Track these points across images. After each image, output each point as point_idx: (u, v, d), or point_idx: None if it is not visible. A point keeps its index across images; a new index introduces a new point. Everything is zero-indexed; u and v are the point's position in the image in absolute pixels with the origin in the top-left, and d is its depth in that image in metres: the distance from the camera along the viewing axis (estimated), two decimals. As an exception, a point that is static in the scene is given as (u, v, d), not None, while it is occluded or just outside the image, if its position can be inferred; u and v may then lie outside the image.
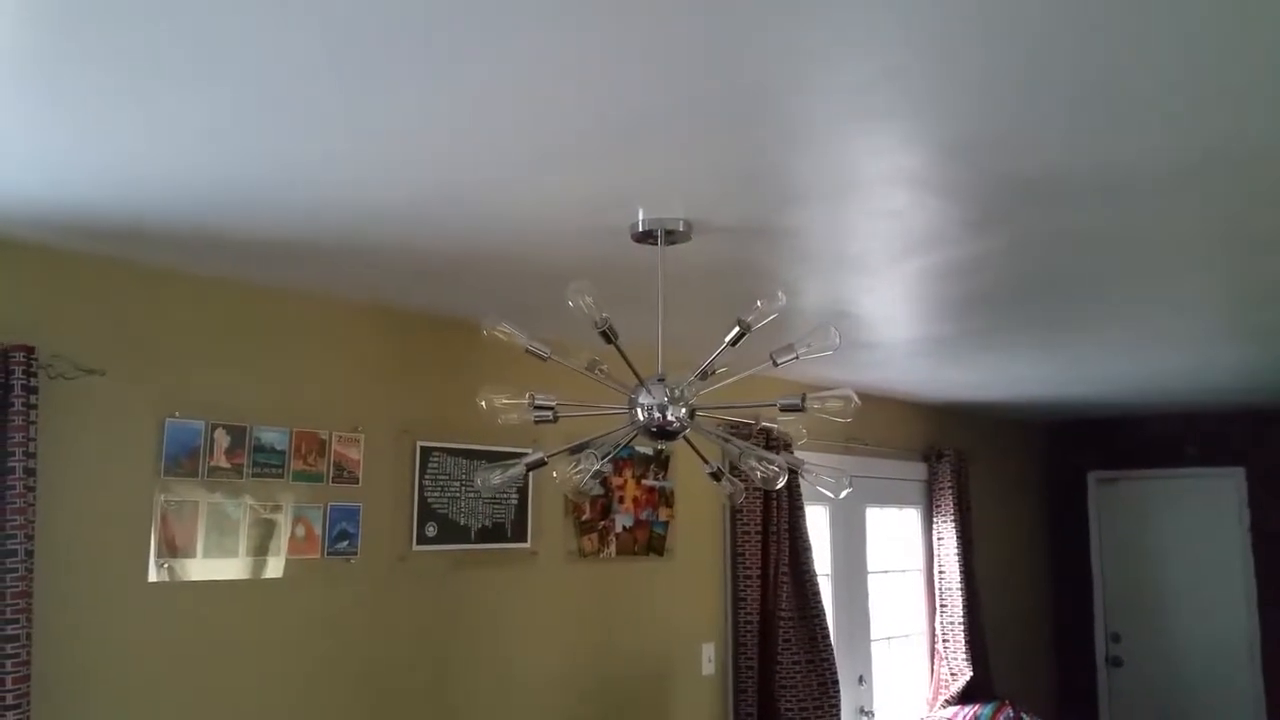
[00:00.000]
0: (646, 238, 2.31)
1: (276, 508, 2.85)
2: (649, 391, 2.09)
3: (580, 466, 2.05)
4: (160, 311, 2.68)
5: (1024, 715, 5.22)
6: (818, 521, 4.90)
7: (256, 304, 2.88)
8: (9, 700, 2.21)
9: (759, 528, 4.29)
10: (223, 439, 2.76)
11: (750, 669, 4.20)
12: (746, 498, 4.23)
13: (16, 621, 2.24)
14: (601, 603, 3.74)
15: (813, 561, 4.51)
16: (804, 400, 2.05)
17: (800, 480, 4.36)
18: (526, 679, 3.44)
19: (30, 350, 2.34)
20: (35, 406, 2.32)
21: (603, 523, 3.76)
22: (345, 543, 3.00)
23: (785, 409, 2.07)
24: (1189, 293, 3.08)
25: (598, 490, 3.72)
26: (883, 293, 3.02)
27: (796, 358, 2.08)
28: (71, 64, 1.51)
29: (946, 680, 5.52)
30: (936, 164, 1.94)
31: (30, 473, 2.29)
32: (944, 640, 5.57)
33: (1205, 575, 6.43)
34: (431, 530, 3.23)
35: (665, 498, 4.00)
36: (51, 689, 2.37)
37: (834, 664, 4.47)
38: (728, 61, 1.51)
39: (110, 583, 2.52)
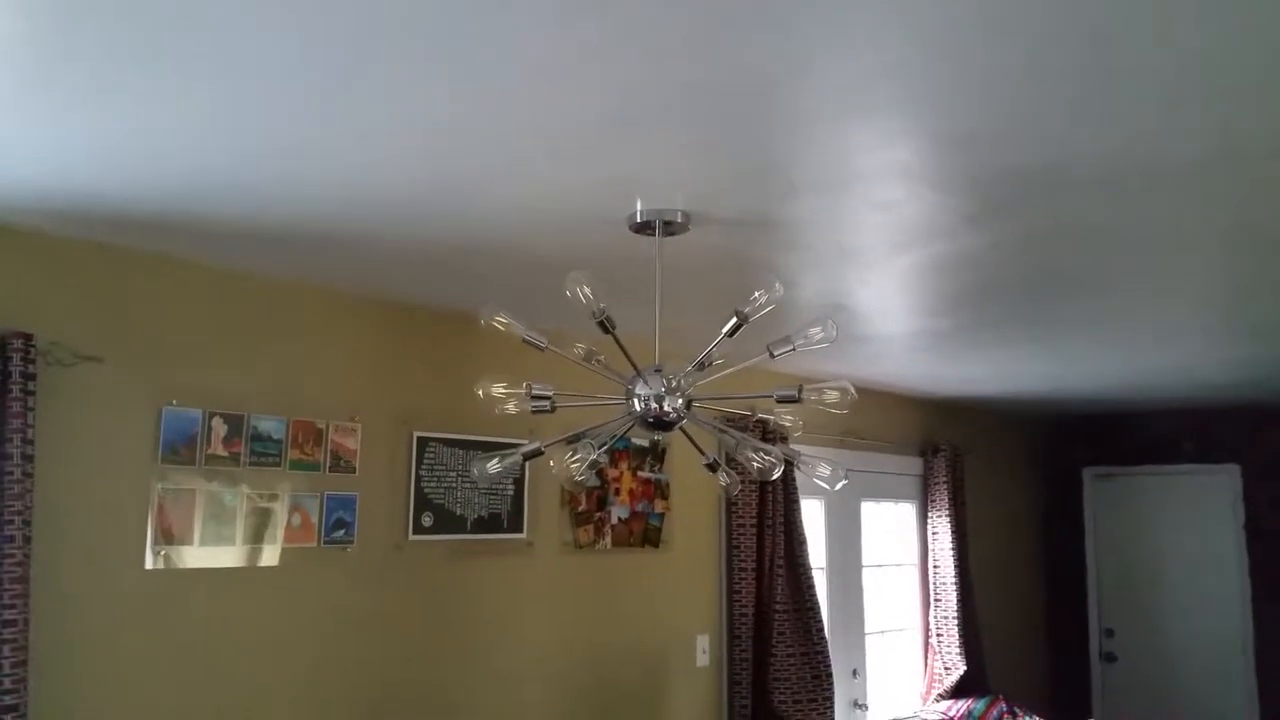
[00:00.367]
0: (644, 228, 2.31)
1: (273, 496, 2.86)
2: (646, 382, 2.10)
3: (577, 457, 2.05)
4: (159, 299, 2.68)
5: (1017, 710, 5.25)
6: (813, 515, 4.91)
7: (255, 293, 2.88)
8: (6, 685, 2.22)
9: (754, 520, 4.30)
10: (220, 427, 2.76)
11: (745, 661, 4.21)
12: (742, 490, 4.24)
13: (14, 607, 2.24)
14: (597, 594, 3.75)
15: (808, 555, 4.53)
16: (800, 391, 2.06)
17: (796, 473, 4.38)
18: (521, 669, 3.45)
19: (28, 337, 2.34)
20: (33, 393, 2.32)
21: (598, 514, 3.76)
22: (342, 531, 3.01)
23: (782, 400, 2.08)
24: (1186, 289, 3.09)
25: (594, 482, 3.73)
26: (880, 285, 3.03)
27: (794, 350, 2.09)
28: (70, 51, 1.51)
29: (940, 674, 5.54)
30: (935, 157, 1.95)
31: (28, 459, 2.29)
32: (938, 635, 5.59)
33: (1199, 571, 6.45)
34: (428, 520, 3.24)
35: (661, 490, 4.01)
36: (48, 675, 2.38)
37: (828, 657, 4.49)
38: (727, 53, 1.51)
39: (107, 570, 2.53)
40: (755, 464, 2.07)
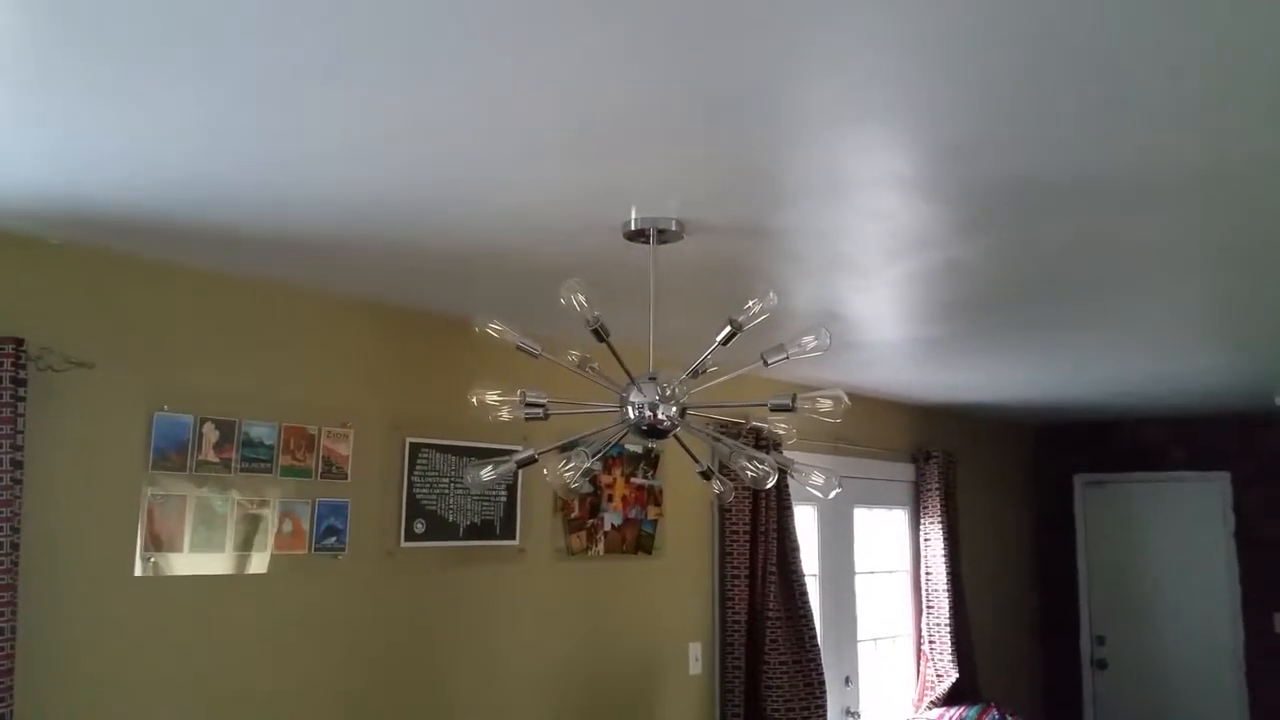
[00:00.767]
0: (639, 236, 2.31)
1: (264, 503, 2.85)
2: (640, 390, 2.09)
3: (571, 464, 2.05)
4: (151, 304, 2.67)
5: (1009, 717, 5.25)
6: (806, 522, 4.91)
7: (248, 298, 2.87)
8: (-7, 693, 2.20)
9: (747, 527, 4.30)
10: (211, 433, 2.75)
11: (737, 669, 4.20)
12: (735, 497, 4.24)
13: (1, 614, 2.23)
14: (589, 601, 3.74)
15: (800, 562, 4.52)
16: (794, 400, 2.06)
17: (789, 480, 4.38)
18: (513, 676, 3.44)
19: (19, 342, 2.33)
20: (24, 399, 2.31)
21: (591, 521, 3.76)
22: (333, 539, 2.99)
23: (776, 409, 2.08)
24: (1178, 298, 3.10)
25: (587, 488, 3.72)
26: (873, 294, 3.03)
27: (787, 358, 2.09)
28: (67, 56, 1.51)
29: (932, 682, 5.54)
30: (929, 167, 1.95)
31: (17, 465, 2.28)
32: (930, 642, 5.59)
33: (1190, 579, 6.46)
34: (420, 527, 3.23)
35: (654, 496, 4.01)
36: (36, 682, 2.36)
37: (820, 664, 4.48)
38: (721, 62, 1.51)
39: (96, 576, 2.51)
40: (749, 473, 2.07)
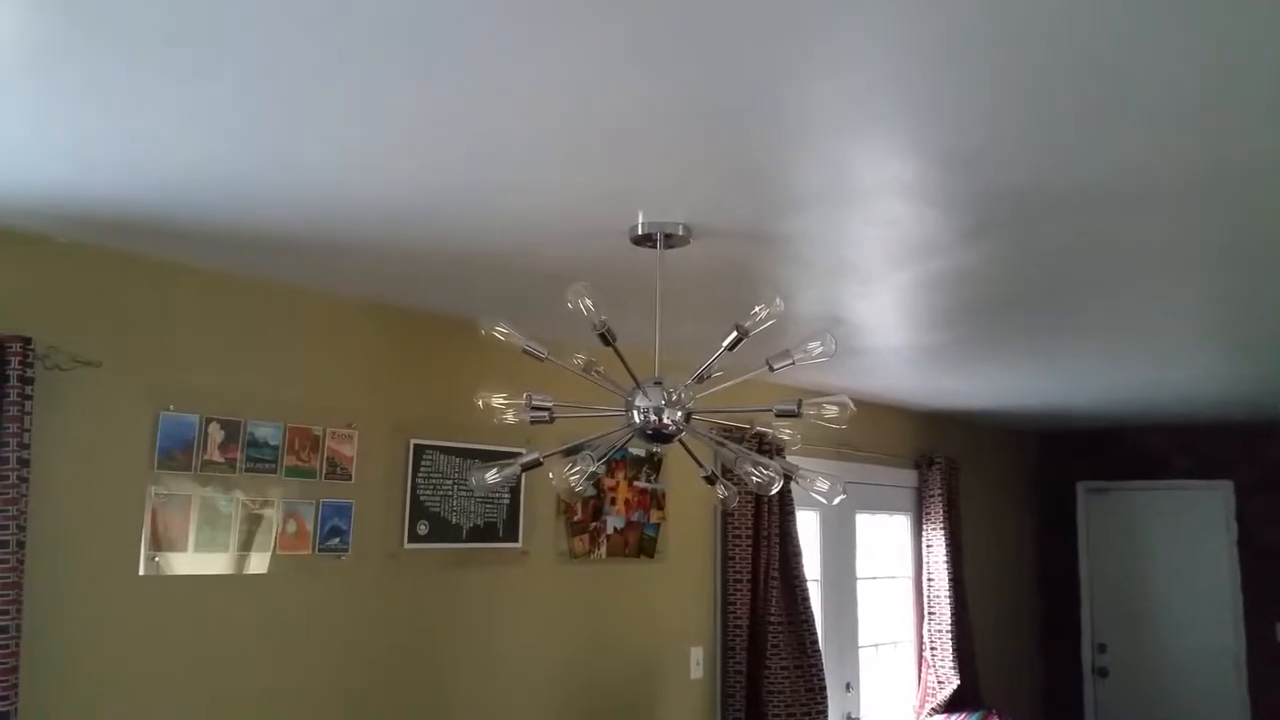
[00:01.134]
0: (645, 241, 2.32)
1: (268, 503, 2.85)
2: (645, 394, 2.09)
3: (576, 469, 2.05)
4: (158, 304, 2.68)
5: (1010, 724, 5.24)
6: (808, 526, 4.91)
7: (254, 298, 2.87)
8: (-3, 691, 2.21)
9: (750, 532, 4.30)
10: (217, 433, 2.75)
11: (739, 673, 4.20)
12: (738, 501, 4.24)
13: (6, 613, 2.23)
14: (591, 604, 3.74)
15: (803, 566, 4.52)
16: (800, 406, 2.06)
17: (792, 485, 4.37)
18: (514, 679, 3.44)
19: (27, 341, 2.33)
20: (30, 397, 2.32)
21: (594, 524, 3.76)
22: (337, 539, 3.00)
23: (781, 414, 2.08)
24: (1182, 306, 3.10)
25: (590, 491, 3.72)
26: (878, 300, 3.03)
27: (793, 363, 2.09)
28: (74, 57, 1.51)
29: (933, 688, 5.53)
30: (934, 173, 1.95)
31: (24, 463, 2.28)
32: (931, 648, 5.58)
33: (1192, 587, 6.45)
34: (423, 528, 3.23)
35: (657, 500, 4.01)
36: (39, 680, 2.37)
37: (822, 670, 4.48)
38: (728, 67, 1.52)
39: (100, 575, 2.52)
40: (754, 478, 2.07)
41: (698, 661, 4.16)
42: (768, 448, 4.11)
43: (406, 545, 3.18)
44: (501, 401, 2.14)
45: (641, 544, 3.94)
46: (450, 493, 3.31)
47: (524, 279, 2.79)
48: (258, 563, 2.82)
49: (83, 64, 1.54)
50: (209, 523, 2.73)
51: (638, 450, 3.89)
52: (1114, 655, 6.69)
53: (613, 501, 3.84)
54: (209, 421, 2.74)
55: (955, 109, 1.65)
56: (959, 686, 5.46)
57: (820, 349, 2.08)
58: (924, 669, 5.61)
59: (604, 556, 3.78)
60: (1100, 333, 3.51)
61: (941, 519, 5.64)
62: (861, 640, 5.29)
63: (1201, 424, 6.25)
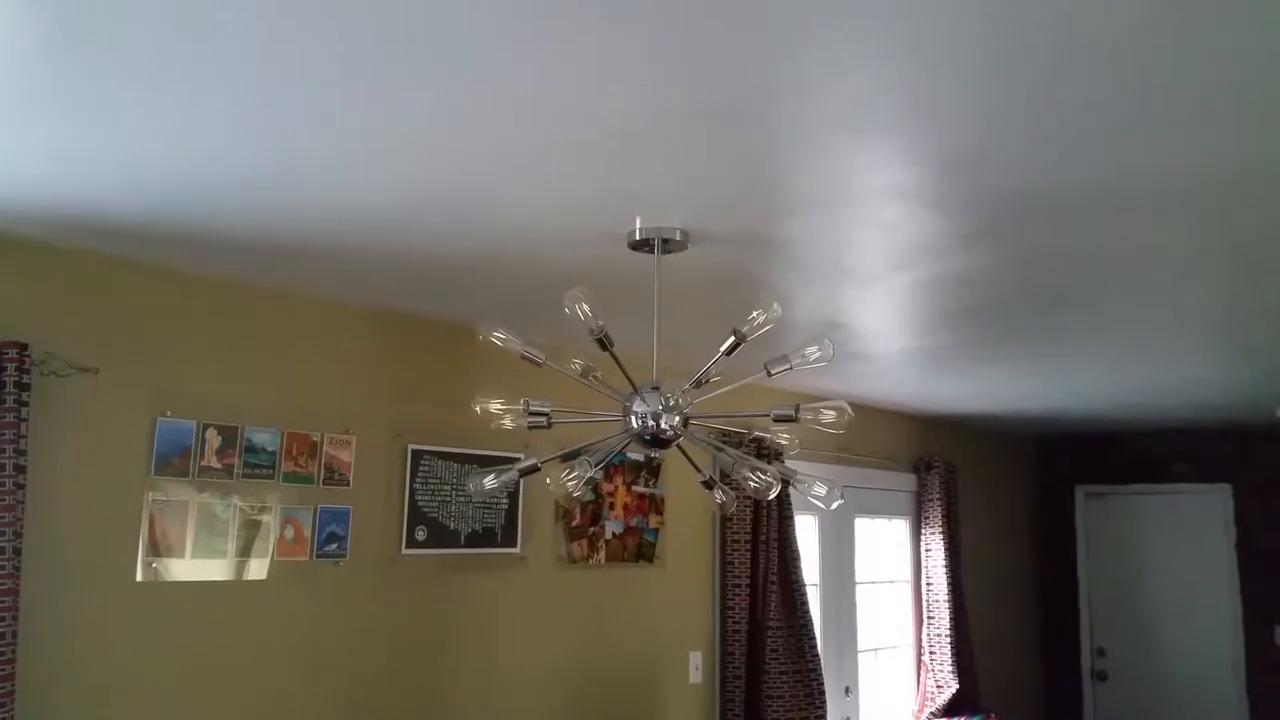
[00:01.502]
0: (643, 246, 2.31)
1: (266, 509, 2.84)
2: (643, 399, 2.09)
3: (574, 474, 2.05)
4: (154, 310, 2.67)
5: (1009, 728, 5.24)
6: (807, 531, 4.91)
7: (251, 304, 2.87)
8: (-6, 699, 2.20)
9: (748, 536, 4.29)
10: (214, 439, 2.75)
11: (738, 678, 4.20)
12: (737, 505, 4.23)
13: (3, 620, 2.22)
14: (590, 609, 3.73)
15: (801, 571, 4.52)
16: (798, 411, 2.05)
17: (790, 489, 4.37)
18: (514, 684, 3.44)
19: (23, 347, 2.33)
20: (27, 404, 2.31)
21: (593, 529, 3.75)
22: (334, 545, 2.99)
23: (779, 419, 2.08)
24: (1181, 310, 3.10)
25: (588, 496, 3.72)
26: (876, 304, 3.03)
27: (791, 368, 2.09)
28: (72, 62, 1.51)
29: (932, 692, 5.52)
30: (933, 177, 1.95)
31: (20, 470, 2.28)
32: (930, 652, 5.58)
33: (1191, 591, 6.45)
34: (421, 534, 3.22)
35: (655, 505, 4.01)
36: (37, 688, 2.36)
37: (821, 674, 4.47)
38: (726, 72, 1.51)
39: (97, 582, 2.51)
40: (752, 483, 2.07)
41: (697, 666, 4.15)
42: (766, 452, 4.11)
43: (405, 551, 3.17)
44: (499, 407, 2.13)
45: (640, 549, 3.94)
46: (448, 498, 3.30)
47: (521, 284, 2.78)
48: (256, 569, 2.81)
49: (82, 70, 1.54)
50: (207, 529, 2.72)
51: (636, 455, 3.89)
52: (1113, 659, 6.69)
53: (611, 507, 3.83)
54: (206, 427, 2.73)
55: (955, 112, 1.65)
56: (958, 690, 5.46)
57: (818, 354, 2.08)
58: (923, 673, 5.61)
59: (603, 561, 3.78)
60: (1099, 336, 3.51)
61: (940, 523, 5.64)
62: (860, 644, 5.28)
63: (1200, 428, 6.25)
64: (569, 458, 2.13)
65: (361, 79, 1.55)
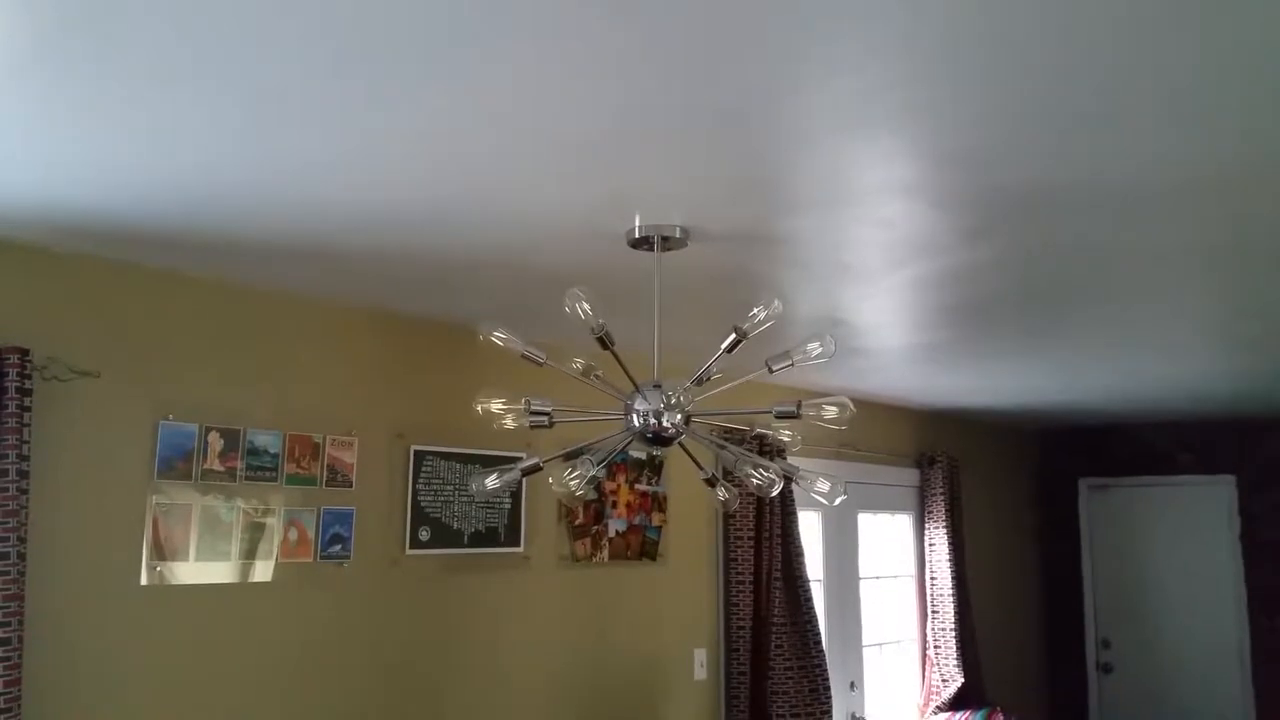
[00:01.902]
0: (643, 244, 2.31)
1: (269, 511, 2.85)
2: (645, 397, 2.09)
3: (576, 473, 2.05)
4: (156, 313, 2.67)
5: (1014, 721, 5.24)
6: (810, 527, 4.91)
7: (252, 306, 2.87)
8: (0, 704, 2.20)
9: (751, 533, 4.29)
10: (216, 442, 2.75)
11: (742, 674, 4.20)
12: (740, 503, 4.23)
13: (8, 624, 2.23)
14: (594, 608, 3.73)
15: (805, 567, 4.52)
16: (799, 407, 2.05)
17: (793, 485, 4.37)
18: (519, 683, 3.44)
19: (25, 352, 2.33)
20: (29, 409, 2.31)
21: (596, 527, 3.76)
22: (338, 546, 2.99)
23: (781, 416, 2.08)
24: (1182, 303, 3.09)
25: (591, 495, 3.72)
26: (878, 300, 3.03)
27: (792, 365, 2.09)
28: (70, 65, 1.51)
29: (938, 686, 5.52)
30: (933, 174, 1.95)
31: (23, 475, 2.28)
32: (935, 646, 5.58)
33: (1196, 582, 6.45)
34: (424, 534, 3.23)
35: (658, 502, 4.01)
36: (42, 692, 2.36)
37: (826, 670, 4.47)
38: (726, 70, 1.51)
39: (102, 585, 2.51)
40: (754, 481, 2.07)
41: (701, 663, 4.15)
42: (768, 449, 4.10)
43: (408, 551, 3.17)
44: (501, 407, 2.13)
45: (643, 547, 3.94)
46: (451, 498, 3.31)
47: (522, 283, 2.78)
48: (260, 571, 2.82)
49: (81, 74, 1.54)
50: (210, 532, 2.72)
51: (638, 453, 3.89)
52: (1118, 651, 6.69)
53: (614, 505, 3.83)
54: (208, 430, 2.74)
55: (953, 110, 1.64)
56: (963, 684, 5.46)
57: (819, 350, 2.08)
58: (928, 667, 5.61)
59: (606, 560, 3.78)
60: (1101, 330, 3.51)
61: (944, 517, 5.64)
62: (865, 639, 5.28)
63: (1204, 419, 6.24)
64: (571, 457, 2.13)
65: (362, 79, 1.55)
